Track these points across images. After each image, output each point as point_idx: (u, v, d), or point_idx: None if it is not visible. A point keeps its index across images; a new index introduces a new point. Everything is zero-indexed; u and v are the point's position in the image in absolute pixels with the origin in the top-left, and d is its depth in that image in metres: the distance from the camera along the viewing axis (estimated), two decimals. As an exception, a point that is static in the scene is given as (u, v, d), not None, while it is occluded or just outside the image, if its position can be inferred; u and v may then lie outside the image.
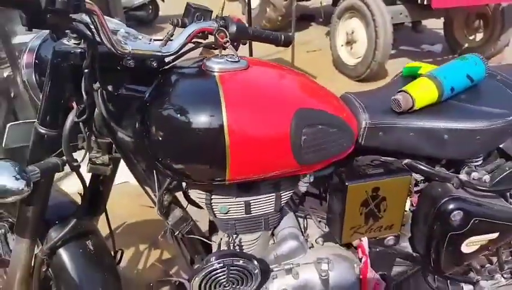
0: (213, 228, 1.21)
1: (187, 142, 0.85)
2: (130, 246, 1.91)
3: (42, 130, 0.89)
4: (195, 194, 1.02)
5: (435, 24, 5.13)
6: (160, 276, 1.78)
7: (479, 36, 4.61)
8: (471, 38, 4.69)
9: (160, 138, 0.86)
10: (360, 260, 1.10)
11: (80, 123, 0.89)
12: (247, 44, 3.51)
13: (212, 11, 0.97)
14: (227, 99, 0.83)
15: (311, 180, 1.01)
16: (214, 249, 1.14)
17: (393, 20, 3.91)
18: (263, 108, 0.87)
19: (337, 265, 1.08)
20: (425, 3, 3.81)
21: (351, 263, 1.11)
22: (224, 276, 0.98)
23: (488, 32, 4.47)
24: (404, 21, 4.21)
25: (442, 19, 4.70)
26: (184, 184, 1.03)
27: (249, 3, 3.85)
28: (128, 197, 2.21)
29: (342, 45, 4.34)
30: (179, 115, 0.84)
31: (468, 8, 4.18)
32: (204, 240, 1.15)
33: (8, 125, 1.07)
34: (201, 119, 0.83)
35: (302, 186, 1.03)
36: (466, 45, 4.65)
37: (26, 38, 2.53)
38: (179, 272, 1.78)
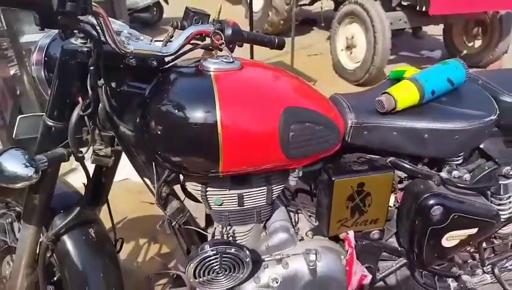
0: (209, 221, 1.28)
1: (184, 136, 0.92)
2: (131, 240, 1.98)
3: (50, 123, 0.96)
4: (192, 187, 1.08)
5: (435, 30, 5.20)
6: (159, 269, 1.85)
7: (478, 43, 4.67)
8: (469, 45, 4.75)
9: (159, 132, 0.93)
10: (347, 252, 1.17)
11: (85, 117, 0.95)
12: (249, 47, 3.62)
13: (209, 15, 1.04)
14: (221, 96, 0.90)
15: (300, 174, 1.08)
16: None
17: (393, 26, 3.98)
18: (254, 105, 0.94)
19: (325, 256, 1.14)
20: (423, 9, 3.89)
21: (338, 255, 1.17)
22: (217, 263, 1.04)
23: (486, 39, 4.54)
24: (403, 27, 4.27)
25: (441, 26, 4.77)
26: (181, 177, 1.10)
27: (250, 7, 3.93)
28: (129, 194, 2.28)
29: (342, 50, 4.41)
30: (176, 111, 0.91)
31: (466, 15, 4.24)
32: (200, 231, 1.22)
33: (18, 117, 1.15)
34: (196, 115, 0.89)
35: (292, 181, 1.09)
36: (465, 52, 4.72)
37: (33, 37, 2.62)
38: (176, 265, 1.85)
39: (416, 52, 5.25)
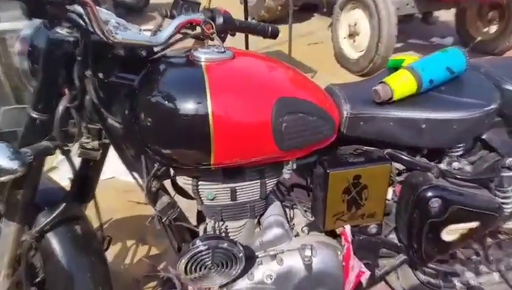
0: (200, 218, 1.35)
1: (174, 127, 0.99)
2: (118, 241, 2.05)
3: (34, 115, 1.02)
4: (183, 181, 1.15)
5: (448, 16, 5.28)
6: (147, 271, 1.93)
7: (493, 28, 4.74)
8: (484, 30, 4.82)
9: (149, 124, 1.00)
10: (344, 247, 1.24)
11: (72, 109, 1.03)
12: (243, 36, 3.69)
13: (199, 3, 1.11)
14: (212, 87, 0.98)
15: (294, 167, 1.15)
16: (201, 237, 1.28)
17: (399, 11, 4.06)
18: (246, 95, 1.01)
19: (320, 251, 1.22)
20: (432, -7, 3.97)
21: (335, 250, 1.25)
22: (209, 258, 1.12)
23: (502, 24, 4.61)
24: (411, 12, 4.34)
25: (454, 10, 4.85)
26: (172, 171, 1.18)
27: (245, -8, 4.00)
28: (116, 193, 2.36)
29: (344, 38, 4.49)
30: (166, 102, 0.98)
31: (480, -1, 4.32)
32: (191, 227, 1.29)
33: (1, 109, 1.21)
34: (187, 106, 0.97)
35: (286, 174, 1.17)
36: (479, 38, 4.78)
37: (6, 26, 2.67)
38: (166, 267, 1.92)
39: (426, 39, 5.34)
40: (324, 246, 1.24)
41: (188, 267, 1.12)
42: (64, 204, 1.18)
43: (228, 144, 1.01)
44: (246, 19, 3.98)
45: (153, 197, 1.19)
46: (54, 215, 1.16)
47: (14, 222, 1.15)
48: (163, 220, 1.23)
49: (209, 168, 1.06)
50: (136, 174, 1.20)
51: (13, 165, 0.92)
